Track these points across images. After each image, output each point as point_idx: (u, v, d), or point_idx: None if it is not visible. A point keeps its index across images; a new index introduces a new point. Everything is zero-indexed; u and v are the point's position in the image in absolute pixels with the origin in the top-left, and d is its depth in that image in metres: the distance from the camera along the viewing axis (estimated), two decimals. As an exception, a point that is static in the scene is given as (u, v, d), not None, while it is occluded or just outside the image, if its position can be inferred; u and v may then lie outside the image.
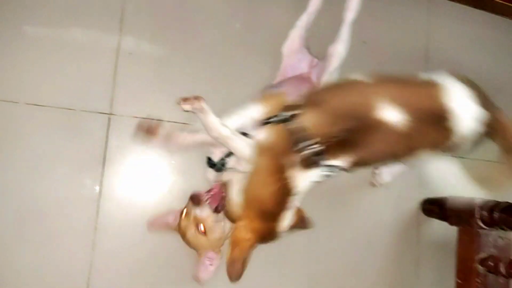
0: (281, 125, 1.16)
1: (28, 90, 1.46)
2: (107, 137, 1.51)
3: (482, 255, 1.51)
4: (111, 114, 1.52)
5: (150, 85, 1.56)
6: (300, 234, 1.64)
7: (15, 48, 1.47)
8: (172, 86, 1.55)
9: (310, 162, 1.13)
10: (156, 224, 1.47)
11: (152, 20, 1.59)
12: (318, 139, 1.11)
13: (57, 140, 1.47)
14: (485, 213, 1.47)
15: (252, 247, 1.19)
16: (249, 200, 1.21)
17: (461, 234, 1.57)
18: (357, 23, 1.79)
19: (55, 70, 1.49)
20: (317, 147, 1.11)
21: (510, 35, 2.07)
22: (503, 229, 1.47)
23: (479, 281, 1.50)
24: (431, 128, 1.16)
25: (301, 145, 1.11)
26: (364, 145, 1.13)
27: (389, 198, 1.78)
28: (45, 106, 1.47)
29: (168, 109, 1.53)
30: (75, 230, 1.48)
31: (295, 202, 1.19)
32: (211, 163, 1.43)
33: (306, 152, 1.11)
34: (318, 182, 1.20)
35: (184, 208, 1.41)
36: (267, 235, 1.20)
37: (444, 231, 1.78)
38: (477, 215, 1.48)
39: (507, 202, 1.45)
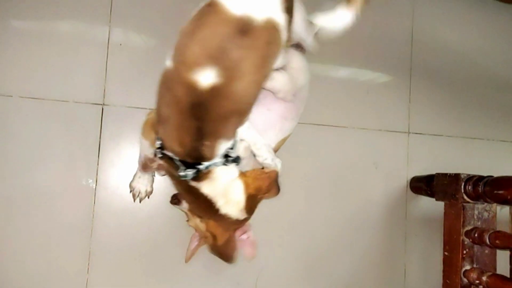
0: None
1: (21, 83, 1.48)
2: (101, 127, 1.54)
3: (468, 227, 1.55)
4: (104, 104, 1.55)
5: (141, 75, 1.58)
6: (291, 212, 1.72)
7: (5, 42, 1.48)
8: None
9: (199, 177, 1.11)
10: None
11: (141, 11, 1.61)
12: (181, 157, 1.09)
13: (51, 132, 1.50)
14: (470, 187, 1.52)
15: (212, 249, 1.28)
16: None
17: (447, 209, 1.61)
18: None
19: (47, 63, 1.51)
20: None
21: (496, 15, 2.10)
22: (487, 202, 1.51)
23: (465, 252, 1.54)
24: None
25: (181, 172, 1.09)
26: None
27: (378, 177, 1.83)
28: (39, 98, 1.49)
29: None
30: (73, 219, 1.52)
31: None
32: None
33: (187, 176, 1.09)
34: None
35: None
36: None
37: (431, 208, 1.84)
38: (462, 190, 1.53)
39: (491, 176, 1.50)
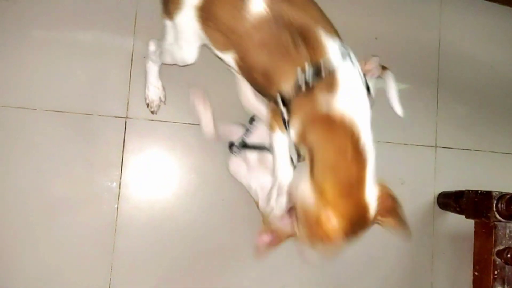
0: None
1: (45, 96, 1.48)
2: (124, 140, 1.53)
3: (500, 247, 1.51)
4: (127, 117, 1.54)
5: (165, 88, 1.56)
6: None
7: (29, 54, 1.48)
8: (186, 88, 1.56)
9: (329, 82, 1.05)
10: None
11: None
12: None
13: (75, 145, 1.50)
14: (502, 205, 1.47)
15: (346, 234, 1.06)
16: (327, 178, 1.04)
17: (478, 227, 1.57)
18: (369, 18, 1.80)
19: (71, 76, 1.51)
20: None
21: (525, 28, 2.06)
22: (520, 221, 1.47)
23: (496, 273, 1.50)
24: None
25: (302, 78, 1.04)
26: None
27: (404, 192, 1.76)
28: (63, 112, 1.49)
29: (182, 111, 1.56)
30: (95, 233, 1.50)
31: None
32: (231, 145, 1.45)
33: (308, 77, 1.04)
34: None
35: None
36: (357, 215, 1.06)
37: (459, 225, 1.78)
38: (494, 208, 1.48)
39: (524, 194, 1.46)
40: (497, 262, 1.50)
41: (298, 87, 1.05)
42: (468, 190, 1.61)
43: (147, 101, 1.52)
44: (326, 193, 1.02)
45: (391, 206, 1.14)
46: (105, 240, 1.50)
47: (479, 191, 1.56)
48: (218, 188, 1.57)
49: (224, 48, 1.14)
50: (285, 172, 1.22)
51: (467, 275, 1.60)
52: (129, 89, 1.54)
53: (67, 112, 1.49)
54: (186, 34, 1.19)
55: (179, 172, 1.58)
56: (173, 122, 1.56)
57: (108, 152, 1.52)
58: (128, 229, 1.52)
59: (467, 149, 1.89)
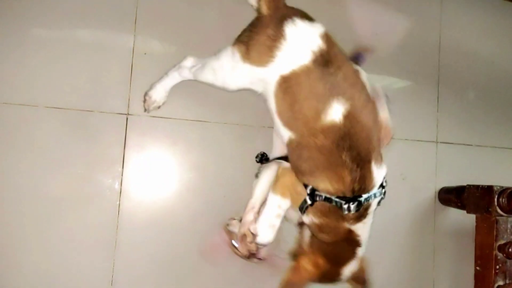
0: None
1: (46, 93, 1.48)
2: (125, 137, 1.53)
3: (501, 242, 1.51)
4: (128, 114, 1.54)
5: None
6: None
7: (31, 52, 1.48)
8: (186, 85, 1.56)
9: (360, 215, 1.16)
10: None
11: (166, 20, 1.60)
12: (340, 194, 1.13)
13: (76, 142, 1.49)
14: (503, 200, 1.47)
15: (310, 279, 1.22)
16: (319, 241, 1.23)
17: (479, 222, 1.57)
18: (369, 14, 1.80)
19: (72, 73, 1.51)
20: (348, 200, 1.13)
21: (526, 23, 2.06)
22: (521, 215, 1.47)
23: (498, 267, 1.50)
24: None
25: (344, 208, 1.13)
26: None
27: (405, 188, 1.79)
28: (64, 108, 1.49)
29: (183, 107, 1.56)
30: (97, 231, 1.51)
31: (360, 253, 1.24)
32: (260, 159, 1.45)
33: (351, 209, 1.13)
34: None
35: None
36: (328, 276, 1.23)
37: (461, 220, 1.79)
38: (495, 203, 1.49)
39: (525, 189, 1.46)
40: (498, 257, 1.50)
41: (335, 207, 1.15)
42: (469, 185, 1.61)
43: (146, 97, 1.51)
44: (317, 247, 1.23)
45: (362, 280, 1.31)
46: (107, 237, 1.50)
47: (480, 186, 1.56)
48: (220, 185, 1.57)
49: (285, 123, 1.17)
50: (266, 233, 1.28)
51: (469, 270, 1.60)
52: (130, 85, 1.54)
53: (68, 109, 1.49)
54: (251, 78, 1.21)
55: (180, 168, 1.58)
56: (174, 118, 1.56)
57: (109, 149, 1.52)
58: (130, 226, 1.52)
59: (468, 145, 1.89)
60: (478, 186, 1.57)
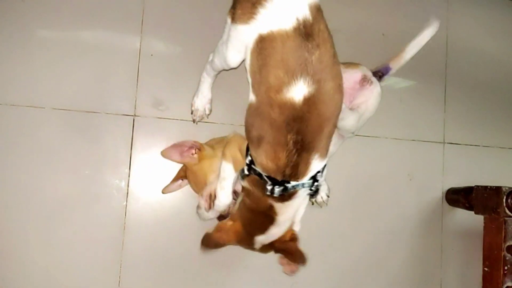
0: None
1: (53, 95, 1.49)
2: (132, 138, 1.53)
3: (510, 242, 1.50)
4: (135, 115, 1.54)
5: (173, 85, 1.57)
6: (326, 226, 1.68)
7: (36, 53, 1.49)
8: (193, 86, 1.56)
9: (283, 198, 1.17)
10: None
11: (172, 21, 1.59)
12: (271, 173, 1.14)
13: (84, 143, 1.50)
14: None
15: (227, 242, 1.26)
16: (244, 209, 1.26)
17: (487, 223, 1.56)
18: (375, 15, 1.79)
19: (79, 74, 1.51)
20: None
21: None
22: (530, 216, 1.46)
23: (506, 268, 1.49)
24: None
25: (267, 189, 1.14)
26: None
27: (412, 189, 1.78)
28: (71, 110, 1.49)
29: (190, 108, 1.55)
30: (104, 231, 1.51)
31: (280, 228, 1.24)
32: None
33: (274, 193, 1.14)
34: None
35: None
36: (242, 241, 1.27)
37: (468, 221, 1.78)
38: (504, 203, 1.48)
39: (534, 190, 1.45)
40: (507, 258, 1.49)
41: (262, 183, 1.16)
42: (478, 186, 1.60)
43: (192, 108, 1.53)
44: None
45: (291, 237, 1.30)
46: (114, 238, 1.51)
47: (489, 187, 1.55)
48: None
49: (252, 85, 1.15)
50: (220, 196, 1.33)
51: (476, 271, 1.59)
52: (136, 87, 1.54)
53: (75, 110, 1.49)
54: (237, 42, 1.18)
55: (187, 169, 1.58)
56: (181, 119, 1.56)
57: (116, 150, 1.52)
58: (137, 227, 1.52)
59: (476, 145, 1.87)
60: (486, 187, 1.56)
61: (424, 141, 1.81)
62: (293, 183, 1.13)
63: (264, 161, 1.13)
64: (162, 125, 1.55)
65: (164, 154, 1.44)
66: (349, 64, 1.49)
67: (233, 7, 1.16)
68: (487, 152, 1.89)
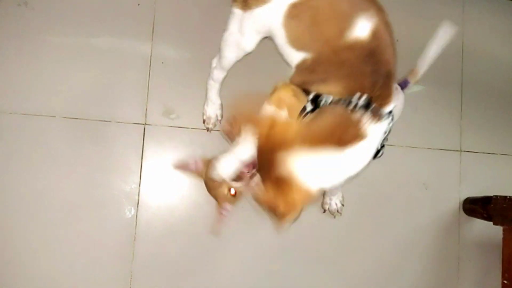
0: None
1: (63, 103, 1.48)
2: (143, 147, 1.52)
3: (530, 255, 1.46)
4: (146, 124, 1.52)
5: (184, 93, 1.56)
6: (340, 235, 1.64)
7: (47, 61, 1.49)
8: (204, 94, 1.54)
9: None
10: (181, 166, 1.45)
11: (183, 28, 1.58)
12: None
13: (94, 152, 1.49)
14: (532, 212, 1.43)
15: None
16: None
17: (506, 234, 1.52)
18: (390, 20, 1.76)
19: (89, 82, 1.51)
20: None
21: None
22: (551, 227, 1.42)
23: (527, 281, 1.45)
24: None
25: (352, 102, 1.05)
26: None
27: (428, 198, 1.74)
28: (81, 119, 1.49)
29: (201, 117, 1.54)
30: (114, 241, 1.50)
31: None
32: None
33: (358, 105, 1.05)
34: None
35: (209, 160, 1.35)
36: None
37: (486, 231, 1.74)
38: (524, 214, 1.44)
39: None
40: (528, 271, 1.45)
41: (346, 103, 1.06)
42: (496, 196, 1.57)
43: (204, 117, 1.53)
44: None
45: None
46: (124, 248, 1.49)
47: (508, 197, 1.52)
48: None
49: (300, 47, 1.13)
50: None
51: (495, 283, 1.56)
52: (147, 95, 1.53)
53: (85, 119, 1.49)
54: (256, 25, 1.18)
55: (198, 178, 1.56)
56: (191, 128, 1.54)
57: (127, 158, 1.51)
58: (148, 237, 1.51)
59: (493, 153, 1.83)
60: (505, 197, 1.52)
61: (440, 149, 1.77)
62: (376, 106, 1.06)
63: (345, 87, 1.07)
64: (173, 134, 1.54)
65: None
66: None
67: None
68: (505, 161, 1.84)
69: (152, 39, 1.55)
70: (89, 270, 1.47)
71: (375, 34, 1.06)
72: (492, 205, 1.58)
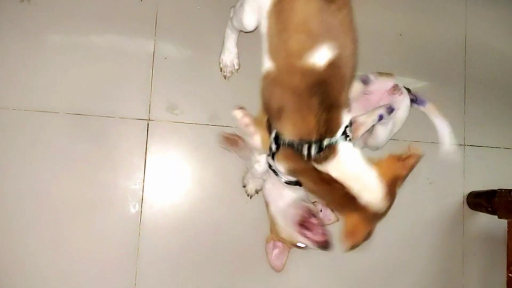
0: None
1: (66, 100, 1.48)
2: (146, 143, 1.52)
3: (535, 248, 1.46)
4: (149, 120, 1.52)
5: (187, 89, 1.55)
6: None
7: (50, 58, 1.48)
8: (209, 89, 1.54)
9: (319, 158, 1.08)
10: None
11: (186, 25, 1.58)
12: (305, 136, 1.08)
13: (98, 148, 1.49)
14: (537, 204, 1.43)
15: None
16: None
17: (511, 227, 1.52)
18: (393, 14, 1.76)
19: (92, 79, 1.50)
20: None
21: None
22: (556, 220, 1.42)
23: (532, 275, 1.45)
24: None
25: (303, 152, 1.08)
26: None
27: (432, 193, 1.74)
28: (84, 114, 1.48)
29: (205, 112, 1.54)
30: (119, 238, 1.49)
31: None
32: None
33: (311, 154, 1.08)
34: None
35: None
36: None
37: (491, 225, 1.74)
38: (529, 207, 1.44)
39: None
40: (532, 263, 1.45)
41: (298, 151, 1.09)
42: (501, 189, 1.56)
43: (221, 65, 1.54)
44: None
45: (406, 174, 1.23)
46: (129, 244, 1.49)
47: (512, 190, 1.51)
48: (243, 191, 1.54)
49: (270, 51, 1.10)
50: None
51: (500, 277, 1.55)
52: (150, 91, 1.53)
53: (89, 115, 1.48)
54: (253, 3, 1.16)
55: (203, 174, 1.56)
56: (196, 123, 1.54)
57: (130, 155, 1.51)
58: (152, 233, 1.50)
59: (497, 147, 1.83)
60: (510, 190, 1.52)
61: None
62: (327, 140, 1.07)
63: (293, 128, 1.08)
64: (177, 129, 1.54)
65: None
66: (382, 73, 1.53)
67: None
68: (509, 154, 1.84)
69: (155, 35, 1.55)
70: (94, 266, 1.46)
71: (331, 65, 1.03)
72: (496, 199, 1.57)
